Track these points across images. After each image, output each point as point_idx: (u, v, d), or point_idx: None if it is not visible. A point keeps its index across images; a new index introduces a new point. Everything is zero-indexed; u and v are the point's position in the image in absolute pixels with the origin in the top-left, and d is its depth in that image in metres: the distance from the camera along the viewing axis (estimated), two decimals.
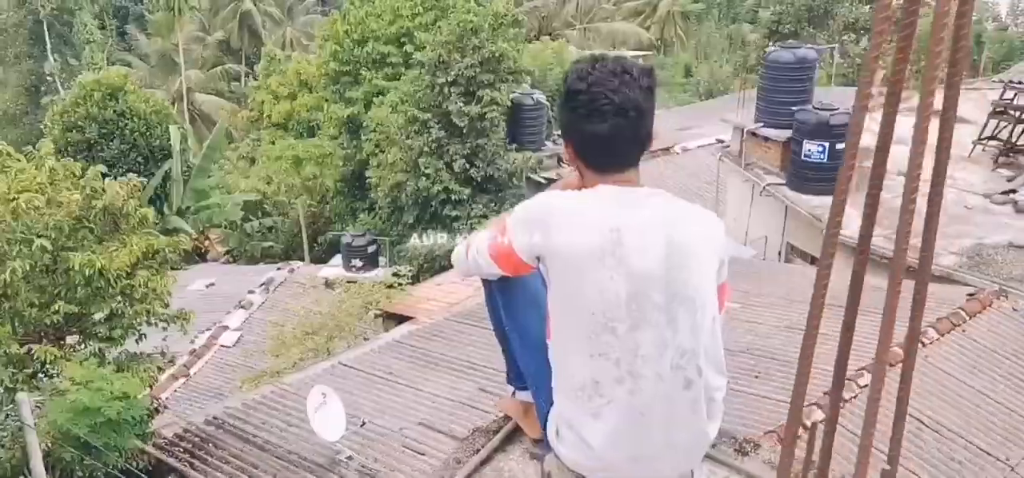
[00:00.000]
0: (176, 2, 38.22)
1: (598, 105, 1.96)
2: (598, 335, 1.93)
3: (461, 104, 18.56)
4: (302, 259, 21.77)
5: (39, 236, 9.64)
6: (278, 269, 18.32)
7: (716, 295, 2.00)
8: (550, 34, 33.09)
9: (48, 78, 41.65)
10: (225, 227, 24.37)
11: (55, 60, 41.42)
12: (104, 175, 10.83)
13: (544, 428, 2.22)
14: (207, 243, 24.65)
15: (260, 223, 24.86)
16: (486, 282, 2.34)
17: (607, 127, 1.96)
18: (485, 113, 18.59)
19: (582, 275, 1.91)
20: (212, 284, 18.52)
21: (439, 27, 20.18)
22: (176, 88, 39.45)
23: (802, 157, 13.70)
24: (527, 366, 2.31)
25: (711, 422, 2.06)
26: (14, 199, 9.73)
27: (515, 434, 2.73)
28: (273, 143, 25.22)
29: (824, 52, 23.93)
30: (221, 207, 23.21)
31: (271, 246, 24.23)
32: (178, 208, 22.71)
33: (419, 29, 22.82)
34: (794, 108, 14.08)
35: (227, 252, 24.69)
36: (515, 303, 2.26)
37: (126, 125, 22.15)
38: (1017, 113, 15.33)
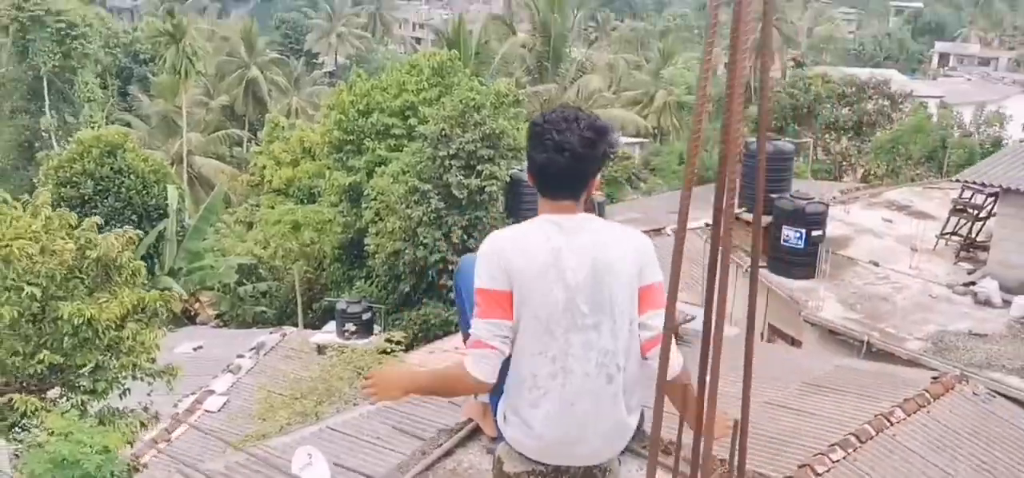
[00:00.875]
0: (183, 65, 38.60)
1: (542, 139, 2.35)
2: (540, 337, 2.31)
3: (461, 177, 18.68)
4: (296, 325, 21.55)
5: (30, 284, 9.52)
6: (270, 333, 18.08)
7: (636, 302, 2.37)
8: None
9: (43, 134, 41.74)
10: (218, 290, 24.17)
11: (52, 117, 41.57)
12: (99, 228, 10.76)
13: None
14: (198, 305, 24.40)
15: (254, 287, 24.67)
16: (463, 314, 2.73)
17: (544, 158, 2.35)
18: (484, 186, 18.70)
19: (533, 287, 2.30)
20: (200, 347, 18.23)
21: (443, 103, 20.45)
22: (176, 150, 39.58)
23: (781, 242, 14.30)
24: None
25: (631, 415, 2.43)
26: (7, 246, 9.65)
27: (475, 434, 3.09)
28: (273, 207, 25.21)
29: (803, 145, 24.47)
30: (214, 269, 23.07)
31: (264, 311, 24.00)
32: (170, 268, 22.56)
33: (423, 104, 23.06)
34: (773, 196, 14.76)
35: (218, 316, 24.43)
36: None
37: (123, 183, 22.15)
38: (975, 211, 16.46)
